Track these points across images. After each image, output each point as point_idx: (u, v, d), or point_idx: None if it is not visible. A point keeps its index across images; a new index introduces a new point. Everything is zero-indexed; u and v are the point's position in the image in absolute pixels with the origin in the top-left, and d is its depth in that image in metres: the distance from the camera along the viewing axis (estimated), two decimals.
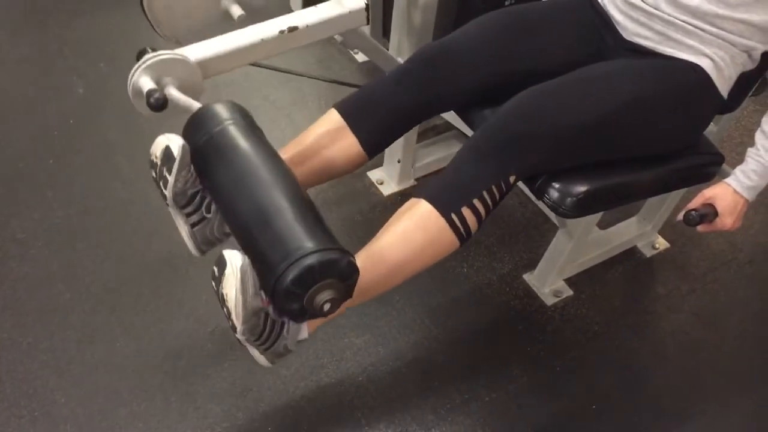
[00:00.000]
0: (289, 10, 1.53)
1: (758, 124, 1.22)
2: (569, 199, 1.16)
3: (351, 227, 1.84)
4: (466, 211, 1.12)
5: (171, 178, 1.11)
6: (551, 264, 1.68)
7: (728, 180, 1.22)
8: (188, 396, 1.47)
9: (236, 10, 1.49)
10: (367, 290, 1.13)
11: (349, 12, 1.44)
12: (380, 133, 1.29)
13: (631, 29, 1.26)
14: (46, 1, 2.44)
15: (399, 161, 1.86)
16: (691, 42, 1.20)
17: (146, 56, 1.28)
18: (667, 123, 1.22)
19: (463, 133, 1.88)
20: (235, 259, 1.00)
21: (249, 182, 1.06)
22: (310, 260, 0.95)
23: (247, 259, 1.01)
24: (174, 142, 1.10)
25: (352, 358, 1.56)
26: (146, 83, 1.28)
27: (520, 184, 1.23)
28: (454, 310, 1.68)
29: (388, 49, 1.71)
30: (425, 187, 1.16)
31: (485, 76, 1.27)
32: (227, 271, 1.01)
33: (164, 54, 1.28)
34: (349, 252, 1.01)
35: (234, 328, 1.04)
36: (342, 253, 0.99)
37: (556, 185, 1.17)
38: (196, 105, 1.24)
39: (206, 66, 1.34)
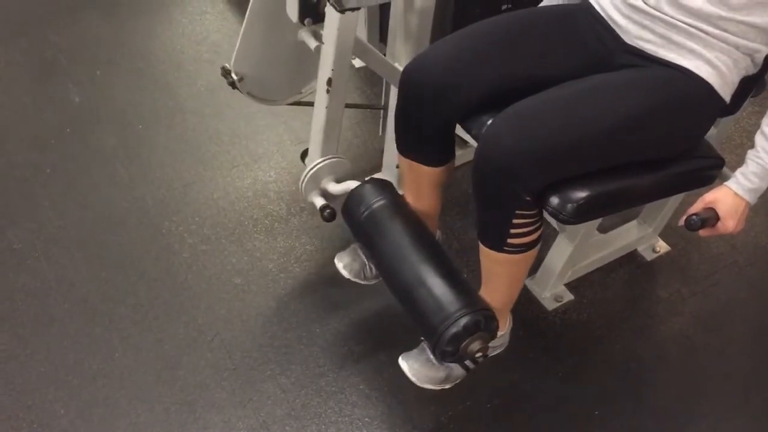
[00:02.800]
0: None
1: (758, 125, 1.20)
2: (569, 206, 1.15)
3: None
4: (513, 240, 1.22)
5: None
6: (552, 269, 1.67)
7: (728, 183, 1.21)
8: (187, 406, 1.46)
9: (312, 42, 1.59)
10: (502, 313, 1.38)
11: (342, 21, 1.42)
12: (437, 149, 1.37)
13: (633, 32, 1.24)
14: (42, 8, 2.43)
15: (397, 166, 1.85)
16: (693, 45, 1.19)
17: (306, 173, 1.57)
18: (666, 134, 1.21)
19: (462, 138, 1.87)
20: (403, 368, 1.36)
21: (404, 254, 1.32)
22: (460, 324, 1.22)
23: (409, 366, 1.36)
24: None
25: (352, 366, 1.55)
26: (317, 201, 1.60)
27: None
28: None
29: (385, 54, 1.70)
30: (478, 229, 1.28)
31: (480, 89, 1.26)
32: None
33: (317, 164, 1.57)
34: (488, 307, 1.29)
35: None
36: (483, 311, 1.26)
37: (557, 192, 1.16)
38: (352, 185, 1.49)
39: (329, 149, 1.59)
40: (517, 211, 1.17)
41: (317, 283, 1.70)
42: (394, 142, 1.40)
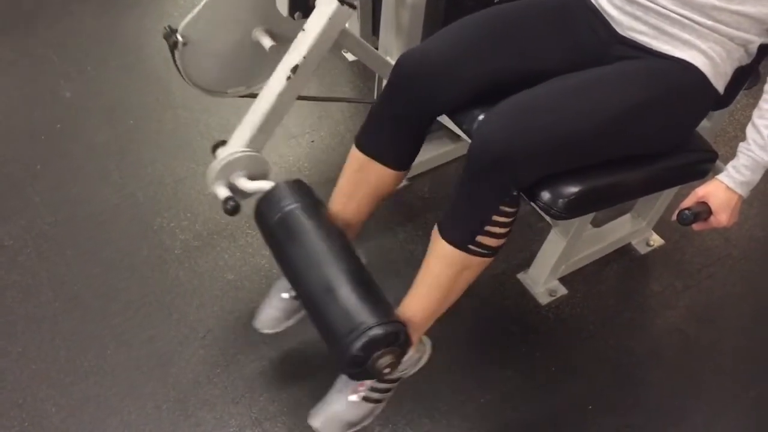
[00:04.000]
0: None
1: (750, 117, 1.20)
2: (561, 201, 1.15)
3: None
4: (482, 239, 1.17)
5: None
6: (545, 263, 1.67)
7: (720, 176, 1.21)
8: (179, 404, 1.45)
9: (267, 42, 1.54)
10: (422, 325, 1.27)
11: (333, 16, 1.41)
12: (401, 151, 1.34)
13: (626, 24, 1.24)
14: (32, 3, 2.41)
15: None
16: (686, 36, 1.18)
17: (213, 164, 1.45)
18: (660, 126, 1.21)
19: (454, 132, 1.86)
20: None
21: (316, 261, 1.23)
22: (360, 341, 1.12)
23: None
24: None
25: None
26: (221, 192, 1.46)
27: None
28: (448, 310, 1.66)
29: (377, 48, 1.69)
30: (442, 222, 1.21)
31: (471, 82, 1.25)
32: None
33: (233, 155, 1.44)
34: (396, 320, 1.19)
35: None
36: (389, 325, 1.15)
37: (548, 187, 1.15)
38: (266, 186, 1.39)
39: (256, 143, 1.49)
40: (500, 207, 1.14)
41: None
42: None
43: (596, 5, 1.28)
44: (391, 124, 1.30)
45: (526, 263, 1.76)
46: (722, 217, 1.20)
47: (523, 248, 1.81)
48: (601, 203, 1.28)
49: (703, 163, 1.34)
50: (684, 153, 1.30)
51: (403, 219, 1.86)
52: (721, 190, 1.20)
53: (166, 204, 1.83)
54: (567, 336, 1.65)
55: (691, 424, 1.52)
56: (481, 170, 1.14)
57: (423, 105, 1.27)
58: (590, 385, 1.56)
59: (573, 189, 1.15)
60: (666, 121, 1.21)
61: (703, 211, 1.20)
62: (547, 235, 1.63)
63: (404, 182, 1.93)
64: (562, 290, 1.72)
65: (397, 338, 1.18)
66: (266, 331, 1.45)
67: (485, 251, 1.18)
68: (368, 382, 1.29)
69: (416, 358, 1.34)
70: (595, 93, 1.16)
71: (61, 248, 1.71)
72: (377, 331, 1.13)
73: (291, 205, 1.29)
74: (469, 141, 1.19)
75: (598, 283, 1.76)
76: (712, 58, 1.19)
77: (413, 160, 1.37)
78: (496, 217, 1.15)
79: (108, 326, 1.57)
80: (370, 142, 1.33)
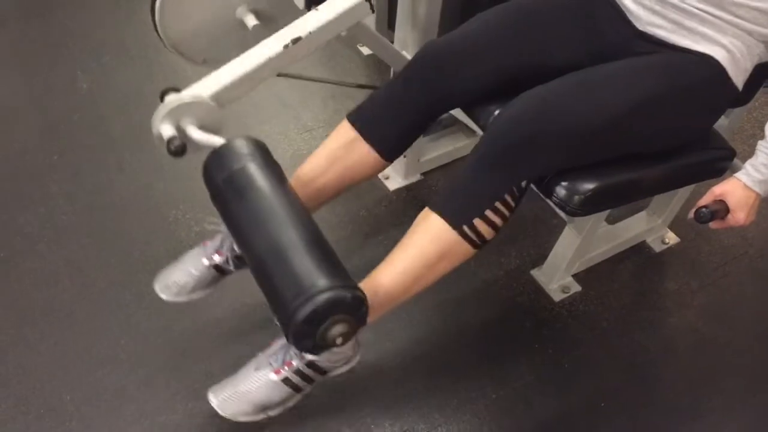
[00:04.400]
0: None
1: None
2: (577, 197, 1.15)
3: (357, 222, 1.82)
4: (478, 222, 1.13)
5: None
6: (559, 260, 1.66)
7: (738, 175, 1.20)
8: (194, 392, 1.46)
9: (251, 20, 1.49)
10: (384, 304, 1.18)
11: (351, 8, 1.41)
12: (395, 138, 1.30)
13: (644, 18, 1.23)
14: None
15: (405, 156, 1.84)
16: (705, 30, 1.17)
17: (164, 103, 1.31)
18: (679, 120, 1.20)
19: (469, 128, 1.86)
20: (212, 404, 1.21)
21: (264, 220, 1.10)
22: (320, 298, 1.00)
23: (220, 401, 1.22)
24: None
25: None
26: (166, 130, 1.31)
27: None
28: (461, 307, 1.66)
29: (393, 42, 1.69)
30: (438, 198, 1.16)
31: (491, 74, 1.25)
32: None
33: (182, 99, 1.30)
34: (358, 287, 1.07)
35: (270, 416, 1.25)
36: (351, 289, 1.04)
37: (564, 183, 1.15)
38: (217, 142, 1.27)
39: (221, 97, 1.36)
40: (505, 195, 1.12)
41: None
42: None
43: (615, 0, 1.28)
44: (396, 108, 1.27)
45: (539, 260, 1.75)
46: (740, 215, 1.19)
47: (536, 245, 1.80)
48: (617, 200, 1.27)
49: (721, 160, 1.33)
50: (701, 150, 1.29)
51: (416, 214, 1.85)
52: (739, 189, 1.19)
53: (181, 197, 1.84)
54: (580, 333, 1.64)
55: (704, 423, 1.51)
56: (495, 155, 1.13)
57: (439, 94, 1.26)
58: (603, 383, 1.55)
59: (589, 185, 1.15)
60: (683, 115, 1.21)
61: (721, 209, 1.20)
62: (561, 231, 1.63)
63: (418, 176, 1.94)
64: (576, 287, 1.72)
65: (353, 306, 1.05)
66: (167, 297, 1.36)
67: (475, 239, 1.14)
68: (295, 363, 1.20)
69: (349, 355, 1.27)
70: (614, 85, 1.16)
71: (78, 237, 1.73)
72: (331, 294, 1.01)
73: (244, 163, 1.17)
74: None
75: (612, 280, 1.75)
76: (732, 53, 1.18)
77: (399, 154, 1.34)
78: (498, 205, 1.13)
79: (123, 315, 1.58)
80: (365, 120, 1.28)
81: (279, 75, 1.48)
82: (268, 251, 1.08)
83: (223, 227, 1.29)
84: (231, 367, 1.50)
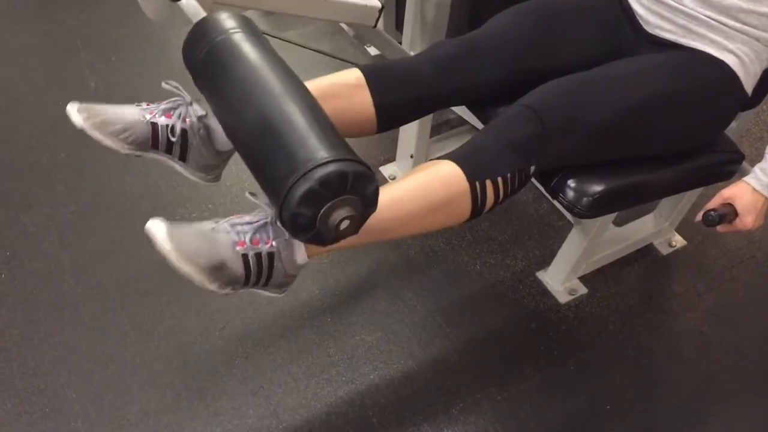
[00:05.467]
0: None
1: None
2: (585, 199, 1.14)
3: None
4: (488, 184, 1.08)
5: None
6: (565, 262, 1.66)
7: (747, 178, 1.19)
8: (198, 392, 1.46)
9: None
10: (374, 232, 1.04)
11: (365, 5, 1.41)
12: (396, 105, 1.22)
13: (653, 23, 1.23)
14: None
15: (412, 156, 1.84)
16: (714, 37, 1.17)
17: None
18: (691, 120, 1.20)
19: (476, 128, 1.86)
20: (156, 232, 0.99)
21: (254, 91, 0.94)
22: (328, 169, 0.84)
23: (169, 226, 0.99)
24: None
25: (364, 355, 1.54)
26: None
27: (535, 180, 1.21)
28: (467, 308, 1.66)
29: (401, 43, 1.69)
30: (454, 154, 1.11)
31: (507, 74, 1.25)
32: (158, 248, 0.98)
33: None
34: (365, 163, 0.90)
35: (206, 288, 0.97)
36: (355, 163, 0.87)
37: (572, 185, 1.15)
38: (200, 14, 1.12)
39: None
40: (519, 169, 1.09)
41: (329, 273, 1.70)
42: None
43: (627, 2, 1.28)
44: (411, 82, 1.22)
45: (545, 262, 1.75)
46: (748, 219, 1.19)
47: (543, 246, 1.80)
48: (625, 202, 1.27)
49: (730, 164, 1.33)
50: (710, 153, 1.28)
51: None
52: (748, 192, 1.18)
53: (187, 195, 1.84)
54: (586, 335, 1.63)
55: (709, 427, 1.50)
56: (520, 135, 1.11)
57: (454, 85, 1.24)
58: (608, 385, 1.55)
59: (597, 187, 1.14)
60: (692, 116, 1.20)
61: (729, 212, 1.19)
62: (568, 233, 1.62)
63: None
64: (582, 289, 1.71)
65: (360, 184, 0.88)
66: (78, 121, 1.19)
67: (478, 200, 1.09)
68: (263, 247, 0.99)
69: (289, 282, 1.10)
70: (634, 77, 1.16)
71: (83, 236, 1.73)
72: (331, 170, 0.85)
73: (227, 34, 1.02)
74: None
75: (619, 283, 1.75)
76: (741, 58, 1.18)
77: (389, 127, 1.26)
78: (509, 176, 1.10)
79: (128, 315, 1.58)
80: (378, 75, 1.21)
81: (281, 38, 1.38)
82: (259, 126, 0.92)
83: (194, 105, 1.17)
84: (237, 368, 1.51)
